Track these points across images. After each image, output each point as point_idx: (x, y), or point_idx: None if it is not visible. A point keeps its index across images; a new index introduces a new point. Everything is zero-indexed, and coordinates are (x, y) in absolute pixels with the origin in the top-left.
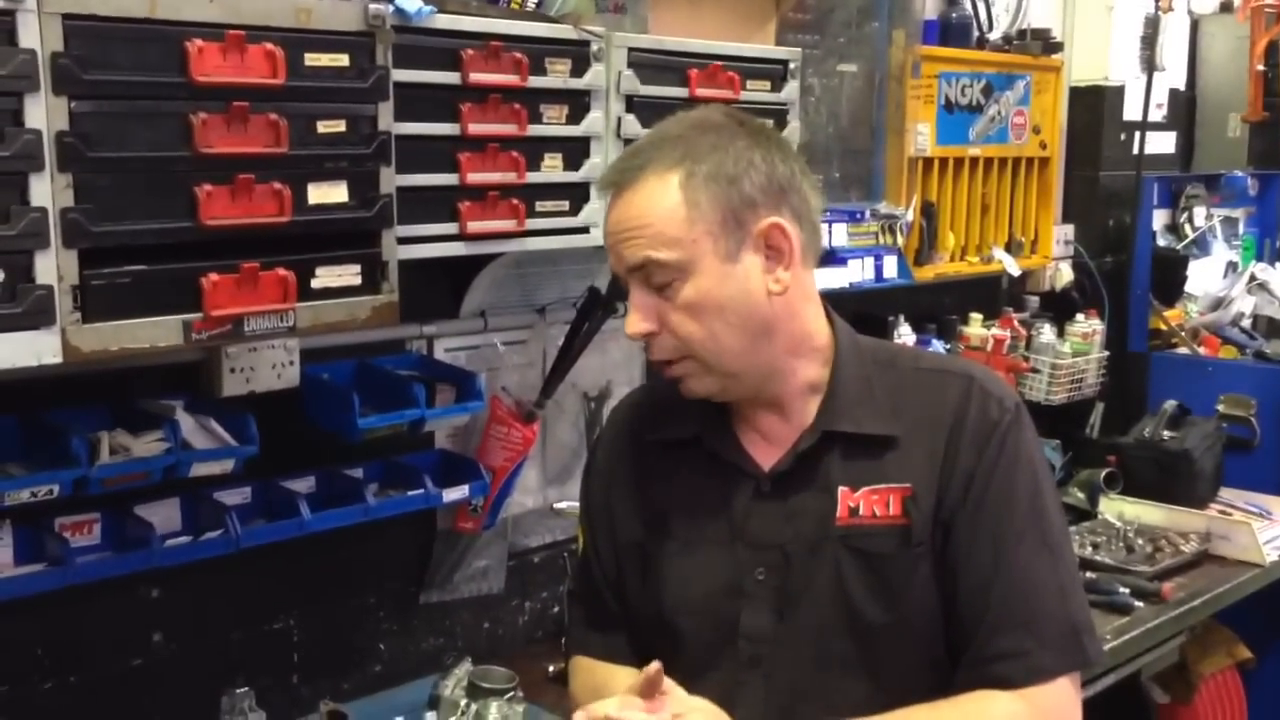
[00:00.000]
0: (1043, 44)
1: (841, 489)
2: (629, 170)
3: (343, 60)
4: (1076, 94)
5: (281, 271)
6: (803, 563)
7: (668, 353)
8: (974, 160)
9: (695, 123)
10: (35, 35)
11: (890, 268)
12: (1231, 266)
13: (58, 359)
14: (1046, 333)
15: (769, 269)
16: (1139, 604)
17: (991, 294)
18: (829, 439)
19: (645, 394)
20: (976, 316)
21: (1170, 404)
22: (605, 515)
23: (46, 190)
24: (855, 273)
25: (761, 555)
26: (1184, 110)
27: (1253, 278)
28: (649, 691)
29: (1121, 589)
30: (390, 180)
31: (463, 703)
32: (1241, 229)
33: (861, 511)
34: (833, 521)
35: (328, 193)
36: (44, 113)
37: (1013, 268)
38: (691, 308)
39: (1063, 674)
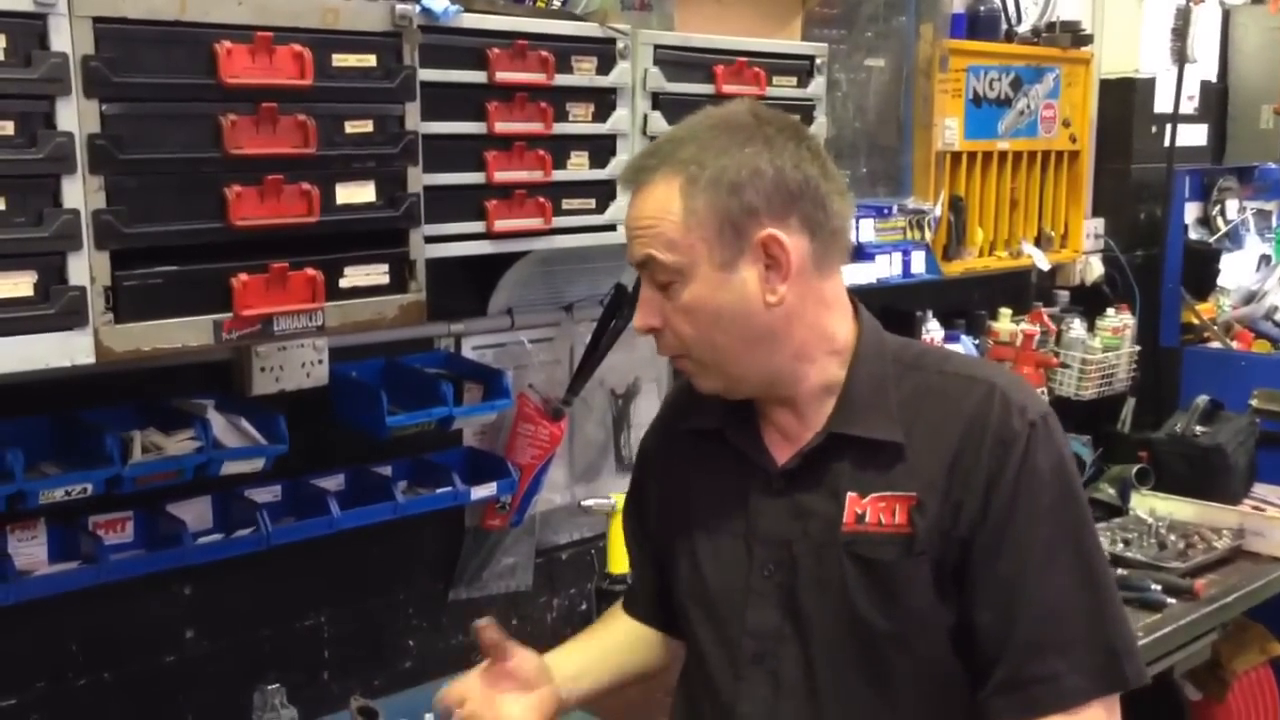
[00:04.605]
0: (1072, 36)
1: (850, 495)
2: (643, 170)
3: (370, 60)
4: (1106, 86)
5: (310, 271)
6: (809, 564)
7: (670, 349)
8: (1003, 154)
9: (716, 122)
10: (66, 38)
11: (918, 263)
12: (1265, 260)
13: (91, 359)
14: (1077, 327)
15: (766, 279)
16: (1171, 601)
17: (1021, 289)
18: (838, 442)
19: (686, 382)
20: (1006, 311)
21: (1202, 399)
22: (648, 497)
23: (79, 192)
24: (883, 268)
25: (770, 552)
26: (1216, 102)
27: None
28: (495, 655)
29: (1153, 585)
30: (417, 179)
31: None
32: (1275, 222)
33: (867, 519)
34: (839, 527)
35: (355, 192)
36: (75, 115)
37: (1042, 262)
38: (689, 311)
39: (1097, 698)
